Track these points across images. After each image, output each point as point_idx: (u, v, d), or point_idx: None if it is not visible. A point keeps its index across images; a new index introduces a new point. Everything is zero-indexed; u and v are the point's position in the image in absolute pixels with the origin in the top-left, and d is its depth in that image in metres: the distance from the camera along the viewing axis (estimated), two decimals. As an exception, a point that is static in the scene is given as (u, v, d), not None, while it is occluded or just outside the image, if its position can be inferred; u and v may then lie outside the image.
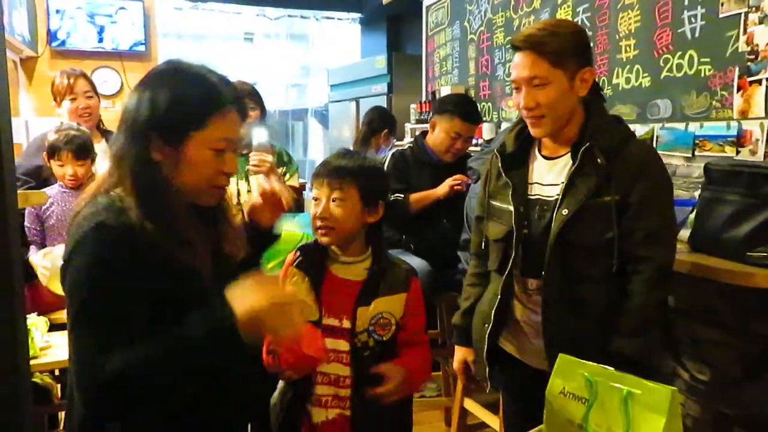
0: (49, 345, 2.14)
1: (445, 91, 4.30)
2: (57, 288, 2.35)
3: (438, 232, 2.78)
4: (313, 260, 1.62)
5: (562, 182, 1.54)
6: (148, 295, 1.04)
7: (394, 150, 3.00)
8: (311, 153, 10.60)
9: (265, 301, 1.04)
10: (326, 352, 1.52)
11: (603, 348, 1.48)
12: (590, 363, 1.11)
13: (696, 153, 2.38)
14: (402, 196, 2.70)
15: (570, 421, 1.12)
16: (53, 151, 2.48)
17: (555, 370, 1.16)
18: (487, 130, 3.86)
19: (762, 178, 1.70)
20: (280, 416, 1.61)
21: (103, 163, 2.71)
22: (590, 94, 1.57)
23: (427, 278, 2.51)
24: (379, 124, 4.31)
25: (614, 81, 2.86)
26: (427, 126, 3.00)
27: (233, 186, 2.53)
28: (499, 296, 1.66)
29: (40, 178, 2.60)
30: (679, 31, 2.47)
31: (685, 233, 1.89)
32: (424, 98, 4.93)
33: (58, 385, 2.59)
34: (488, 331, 1.70)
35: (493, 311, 1.68)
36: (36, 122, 3.63)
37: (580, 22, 3.03)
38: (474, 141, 3.27)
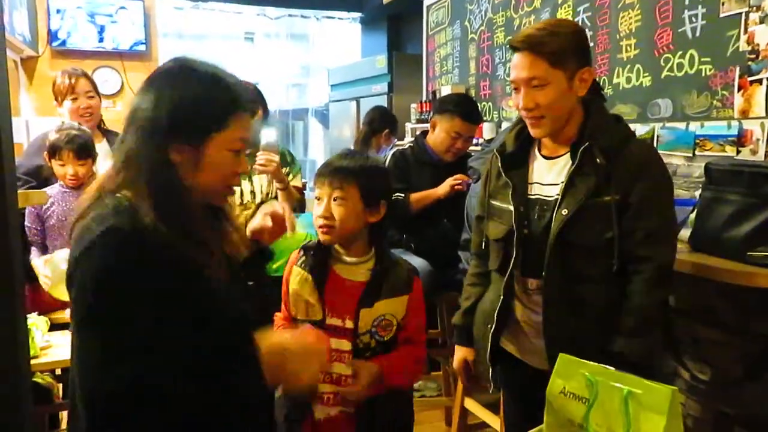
0: (49, 345, 2.14)
1: (445, 90, 4.30)
2: (60, 294, 2.35)
3: (438, 232, 2.78)
4: (316, 260, 1.64)
5: (562, 182, 1.54)
6: (160, 300, 1.01)
7: (394, 149, 3.00)
8: (312, 153, 10.61)
9: (295, 343, 1.12)
10: (330, 355, 1.52)
11: (603, 348, 1.48)
12: (591, 363, 1.11)
13: (696, 152, 2.38)
14: (402, 195, 2.70)
15: (570, 421, 1.12)
16: (54, 150, 2.48)
17: (555, 370, 1.16)
18: (487, 130, 3.86)
19: (762, 177, 1.70)
20: (284, 412, 1.62)
21: (104, 163, 2.72)
22: (590, 93, 1.57)
23: (428, 278, 2.51)
24: (380, 123, 4.31)
25: (615, 80, 2.86)
26: (427, 126, 3.00)
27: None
28: (501, 297, 1.66)
29: (41, 177, 2.60)
30: (680, 30, 2.47)
31: (685, 233, 1.89)
32: (424, 98, 4.93)
33: (59, 385, 2.59)
34: (491, 332, 1.70)
35: (495, 312, 1.68)
36: (36, 122, 3.63)
37: (580, 22, 3.03)
38: (474, 141, 3.27)
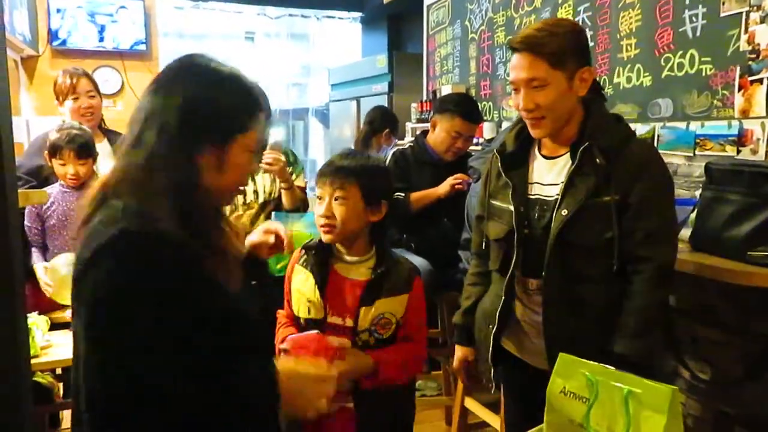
0: (50, 344, 2.14)
1: (445, 90, 4.30)
2: (63, 299, 2.36)
3: (439, 231, 2.78)
4: (317, 259, 1.65)
5: (562, 182, 1.54)
6: (174, 302, 0.98)
7: (395, 149, 3.00)
8: (312, 152, 10.60)
9: (312, 370, 1.14)
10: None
11: (604, 348, 1.48)
12: (591, 362, 1.11)
13: (697, 152, 2.38)
14: (403, 195, 2.70)
15: (571, 421, 1.12)
16: (55, 150, 2.49)
17: (556, 370, 1.16)
18: (487, 130, 3.85)
19: (763, 177, 1.70)
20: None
21: (104, 163, 2.72)
22: (590, 93, 1.57)
23: (428, 277, 2.51)
24: (381, 123, 4.31)
25: (615, 80, 2.86)
26: (427, 125, 3.00)
27: None
28: (503, 297, 1.66)
29: (41, 177, 2.60)
30: (680, 30, 2.47)
31: (686, 232, 1.89)
32: (424, 97, 4.93)
33: (60, 384, 2.59)
34: (492, 332, 1.70)
35: (497, 312, 1.68)
36: (37, 121, 3.64)
37: (580, 22, 3.03)
38: (475, 140, 3.28)
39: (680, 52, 2.48)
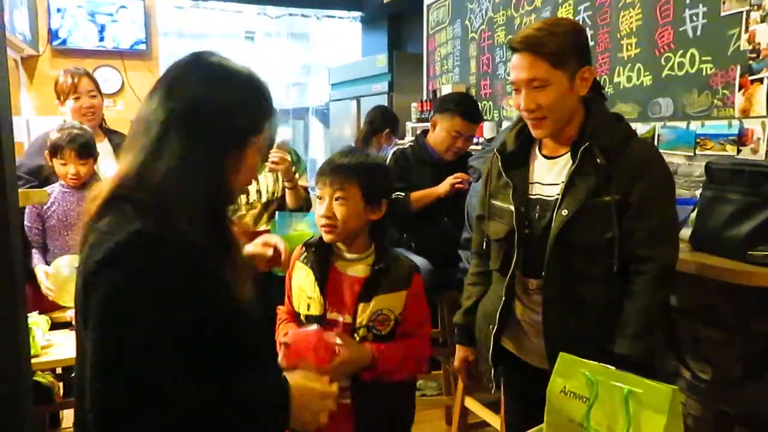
0: (50, 344, 2.14)
1: (446, 89, 4.30)
2: (66, 301, 2.35)
3: (439, 231, 2.78)
4: (318, 256, 1.66)
5: (562, 182, 1.54)
6: (183, 307, 0.97)
7: (395, 149, 3.00)
8: (312, 152, 10.59)
9: (318, 385, 1.17)
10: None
11: (605, 349, 1.47)
12: (591, 362, 1.11)
13: (697, 152, 2.38)
14: (403, 194, 2.70)
15: (571, 420, 1.12)
16: (56, 149, 2.48)
17: (556, 369, 1.16)
18: (488, 129, 3.85)
19: (763, 176, 1.70)
20: None
21: (105, 163, 2.72)
22: (591, 92, 1.57)
23: (428, 277, 2.51)
24: (381, 123, 4.31)
25: (615, 80, 2.86)
26: (428, 125, 3.00)
27: None
28: (503, 297, 1.66)
29: (42, 177, 2.60)
30: (681, 29, 2.47)
31: (686, 232, 1.89)
32: (425, 97, 4.93)
33: (60, 384, 2.59)
34: (493, 332, 1.70)
35: (498, 312, 1.68)
36: (37, 121, 3.64)
37: (581, 21, 3.03)
38: (475, 140, 3.28)
39: (680, 52, 2.48)
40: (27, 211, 2.50)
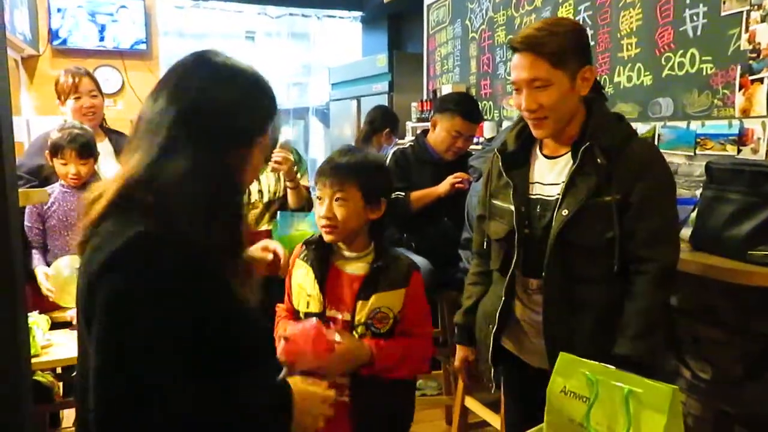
0: (50, 343, 2.14)
1: (446, 89, 4.30)
2: (67, 303, 2.35)
3: (439, 231, 2.78)
4: (318, 254, 1.67)
5: (563, 182, 1.54)
6: (189, 310, 0.96)
7: (395, 148, 3.00)
8: (312, 152, 10.60)
9: (319, 390, 1.21)
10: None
11: (604, 349, 1.47)
12: (591, 362, 1.11)
13: (697, 151, 2.38)
14: (403, 194, 2.70)
15: (571, 420, 1.12)
16: (56, 149, 2.48)
17: (556, 369, 1.16)
18: (488, 129, 3.85)
19: (763, 176, 1.70)
20: None
21: (106, 162, 2.72)
22: (591, 92, 1.57)
23: (428, 276, 2.51)
24: (381, 123, 4.31)
25: (616, 79, 2.86)
26: (428, 124, 3.00)
27: None
28: (503, 297, 1.66)
29: (42, 176, 2.60)
30: (681, 29, 2.47)
31: (686, 232, 1.89)
32: (425, 97, 4.93)
33: (60, 384, 2.59)
34: (492, 332, 1.70)
35: (497, 312, 1.68)
36: (37, 121, 3.64)
37: (581, 21, 3.03)
38: (475, 140, 3.28)
39: (681, 52, 2.47)
40: (27, 211, 2.50)
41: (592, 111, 1.57)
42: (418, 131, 3.38)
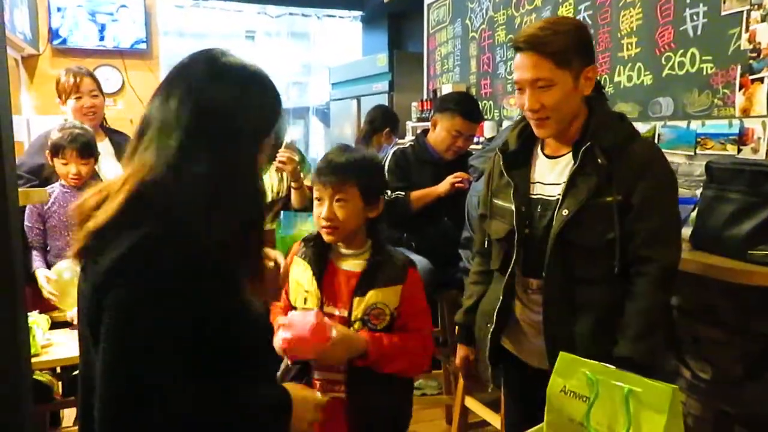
0: (50, 343, 2.14)
1: (446, 89, 4.30)
2: (69, 306, 2.35)
3: (439, 230, 2.78)
4: (316, 251, 1.68)
5: (564, 182, 1.53)
6: (189, 310, 0.95)
7: (395, 148, 3.00)
8: (312, 151, 10.60)
9: (312, 396, 1.25)
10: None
11: (605, 349, 1.47)
12: (591, 361, 1.11)
13: (698, 151, 2.38)
14: (403, 193, 2.70)
15: (571, 420, 1.12)
16: (57, 149, 2.48)
17: (556, 369, 1.16)
18: (488, 129, 3.85)
19: (764, 176, 1.70)
20: None
21: (106, 162, 2.72)
22: (593, 91, 1.56)
23: (428, 276, 2.51)
24: (381, 122, 4.31)
25: (616, 79, 2.85)
26: (428, 124, 3.00)
27: None
28: (501, 297, 1.66)
29: (42, 176, 2.60)
30: (681, 29, 2.46)
31: (686, 231, 1.88)
32: (425, 96, 4.93)
33: (59, 383, 2.59)
34: (491, 331, 1.70)
35: (495, 312, 1.68)
36: (37, 120, 3.64)
37: (581, 20, 3.02)
38: (475, 139, 3.27)
39: (681, 51, 2.47)
40: (27, 211, 2.50)
41: (595, 111, 1.57)
42: (419, 131, 3.38)
